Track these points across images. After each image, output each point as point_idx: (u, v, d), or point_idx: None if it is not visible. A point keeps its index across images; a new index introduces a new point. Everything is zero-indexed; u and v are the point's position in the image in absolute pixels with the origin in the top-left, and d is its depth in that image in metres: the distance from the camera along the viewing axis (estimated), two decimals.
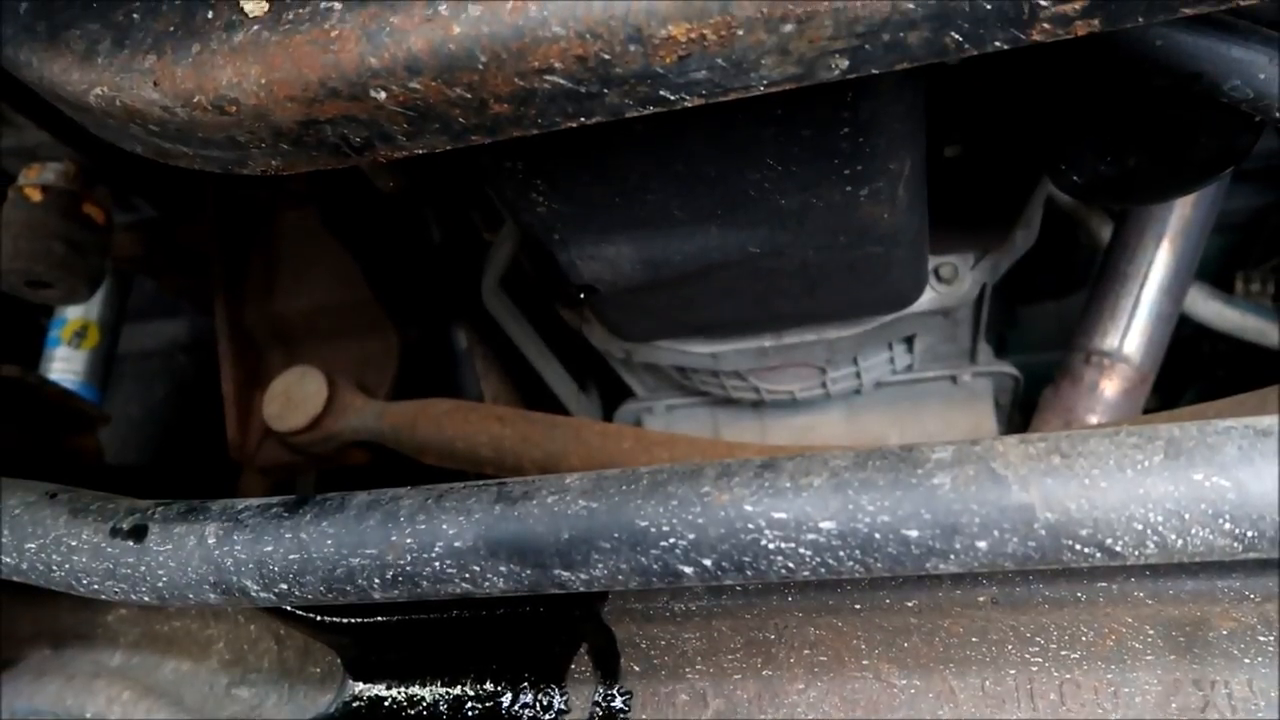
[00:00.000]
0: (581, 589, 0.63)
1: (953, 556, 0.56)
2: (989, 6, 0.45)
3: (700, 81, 0.50)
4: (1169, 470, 0.52)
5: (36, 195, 1.36)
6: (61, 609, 0.99)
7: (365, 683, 0.85)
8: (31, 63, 0.56)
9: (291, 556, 0.66)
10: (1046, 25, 0.46)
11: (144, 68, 0.53)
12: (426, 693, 0.82)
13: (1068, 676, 0.69)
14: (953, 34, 0.47)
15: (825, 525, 0.56)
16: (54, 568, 0.72)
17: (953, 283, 1.16)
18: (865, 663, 0.74)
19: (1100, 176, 0.88)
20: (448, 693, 0.82)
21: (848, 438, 1.47)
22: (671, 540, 0.59)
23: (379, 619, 0.83)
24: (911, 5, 0.45)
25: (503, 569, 0.63)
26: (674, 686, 0.77)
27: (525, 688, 0.80)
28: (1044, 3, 0.44)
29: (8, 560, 0.73)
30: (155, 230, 1.78)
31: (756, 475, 0.59)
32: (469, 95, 0.51)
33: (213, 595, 0.69)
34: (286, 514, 0.68)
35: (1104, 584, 0.69)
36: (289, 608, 0.83)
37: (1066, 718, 0.68)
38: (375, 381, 1.60)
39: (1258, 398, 0.87)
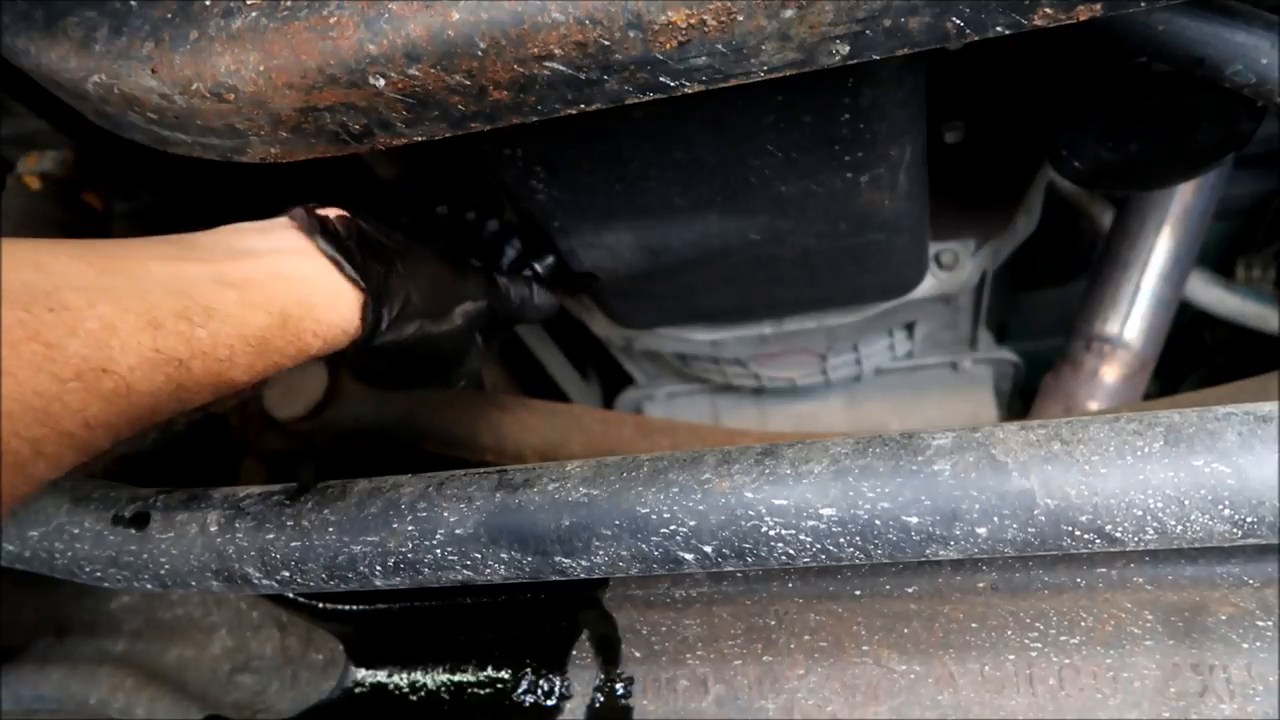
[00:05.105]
0: (583, 576, 0.63)
1: (953, 543, 0.56)
2: None
3: (700, 68, 0.49)
4: (1169, 456, 0.52)
5: (35, 184, 1.36)
6: (64, 597, 1.00)
7: (367, 669, 0.85)
8: (29, 50, 0.56)
9: (293, 544, 0.66)
10: (1049, 10, 0.46)
11: (141, 55, 0.53)
12: (428, 679, 0.83)
13: (1067, 661, 0.70)
14: (954, 19, 0.46)
15: (825, 512, 0.57)
16: (56, 555, 0.72)
17: (954, 269, 1.15)
18: (865, 648, 0.74)
19: (1102, 162, 0.88)
20: (449, 679, 0.82)
21: (848, 424, 1.47)
22: (672, 527, 0.59)
23: (381, 606, 0.83)
24: None
25: (504, 556, 0.63)
26: (675, 672, 0.78)
27: (527, 674, 0.80)
28: None
29: (10, 548, 0.73)
30: (154, 218, 1.78)
31: (757, 462, 0.59)
32: (468, 82, 0.51)
33: (215, 582, 0.69)
34: (288, 502, 0.69)
35: (1103, 570, 0.70)
36: (291, 595, 0.83)
37: (1065, 703, 0.69)
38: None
39: (1258, 384, 0.88)
